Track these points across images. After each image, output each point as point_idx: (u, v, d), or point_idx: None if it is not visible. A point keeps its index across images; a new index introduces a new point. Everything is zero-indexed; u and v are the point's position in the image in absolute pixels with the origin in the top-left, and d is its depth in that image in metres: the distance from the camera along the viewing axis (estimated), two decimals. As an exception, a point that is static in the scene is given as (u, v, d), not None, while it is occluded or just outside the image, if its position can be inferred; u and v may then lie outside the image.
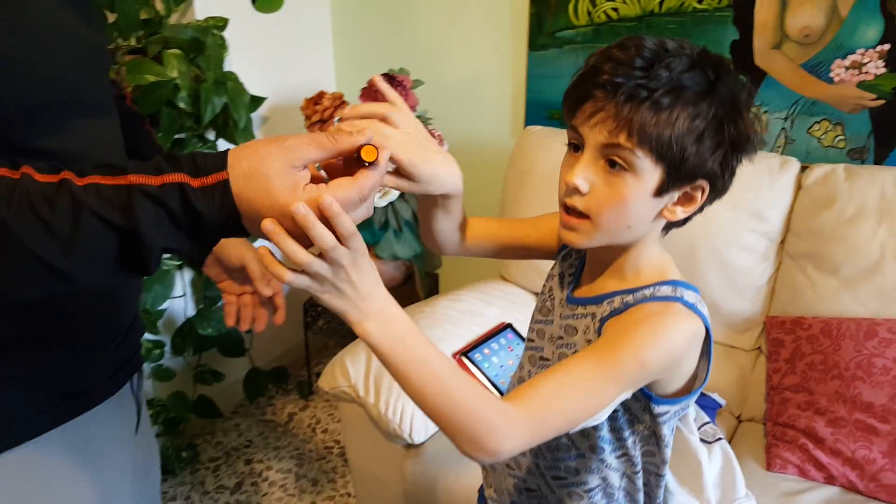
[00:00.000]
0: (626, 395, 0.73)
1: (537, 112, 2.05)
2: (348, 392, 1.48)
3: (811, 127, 1.65)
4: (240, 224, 0.61)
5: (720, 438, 1.37)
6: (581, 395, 0.70)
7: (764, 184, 1.57)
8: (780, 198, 1.57)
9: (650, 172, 0.70)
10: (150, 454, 1.04)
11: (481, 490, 1.09)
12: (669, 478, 0.98)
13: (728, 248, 1.59)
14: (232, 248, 1.01)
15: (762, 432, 1.53)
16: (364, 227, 2.05)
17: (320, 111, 1.94)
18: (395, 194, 1.94)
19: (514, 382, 0.98)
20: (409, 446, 1.48)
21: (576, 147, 0.74)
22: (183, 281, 2.05)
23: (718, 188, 0.74)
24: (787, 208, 1.58)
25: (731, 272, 1.60)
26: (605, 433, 0.82)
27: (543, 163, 1.82)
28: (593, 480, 0.86)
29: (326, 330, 2.31)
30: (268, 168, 0.59)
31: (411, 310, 1.74)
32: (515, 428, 0.67)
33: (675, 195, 0.73)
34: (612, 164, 0.71)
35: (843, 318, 1.44)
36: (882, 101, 1.55)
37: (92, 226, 0.57)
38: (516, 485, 0.95)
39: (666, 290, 0.76)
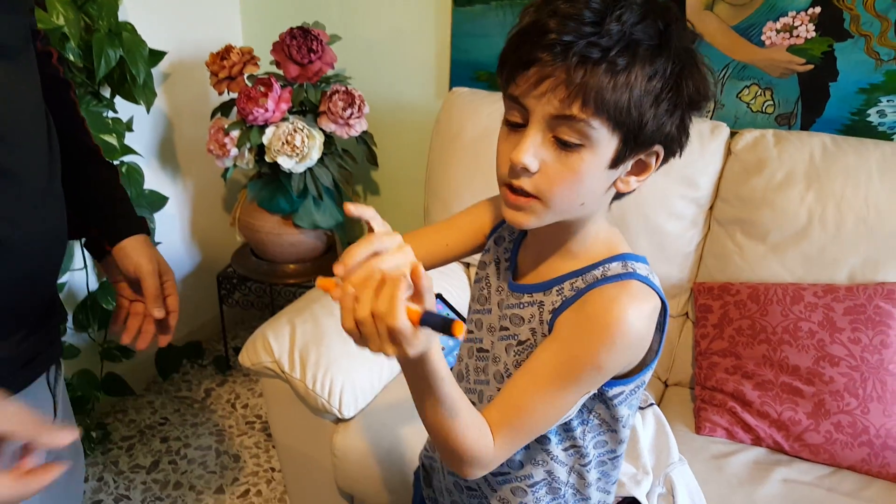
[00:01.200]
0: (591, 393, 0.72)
1: (463, 73, 1.96)
2: (272, 368, 1.39)
3: (741, 91, 1.65)
4: None
5: (652, 404, 1.37)
6: (549, 412, 0.70)
7: (695, 149, 1.56)
8: (710, 164, 1.57)
9: (606, 143, 0.64)
10: (74, 455, 0.92)
11: (417, 474, 1.04)
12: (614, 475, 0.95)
13: (657, 215, 1.58)
14: (132, 256, 0.92)
15: (689, 396, 1.54)
16: (282, 194, 1.93)
17: (228, 67, 1.80)
18: (313, 159, 1.83)
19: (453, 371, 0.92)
20: (339, 421, 1.41)
21: (517, 124, 0.66)
22: (83, 253, 1.89)
23: (673, 152, 0.69)
24: (716, 174, 1.57)
25: (660, 238, 1.59)
26: None
27: (472, 128, 1.75)
28: (538, 474, 0.82)
29: (243, 303, 2.19)
30: None
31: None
32: (493, 460, 0.71)
33: (629, 164, 0.67)
34: (563, 142, 0.63)
35: (770, 284, 1.46)
36: (811, 66, 1.56)
37: None
38: (456, 483, 0.90)
39: (616, 268, 0.71)
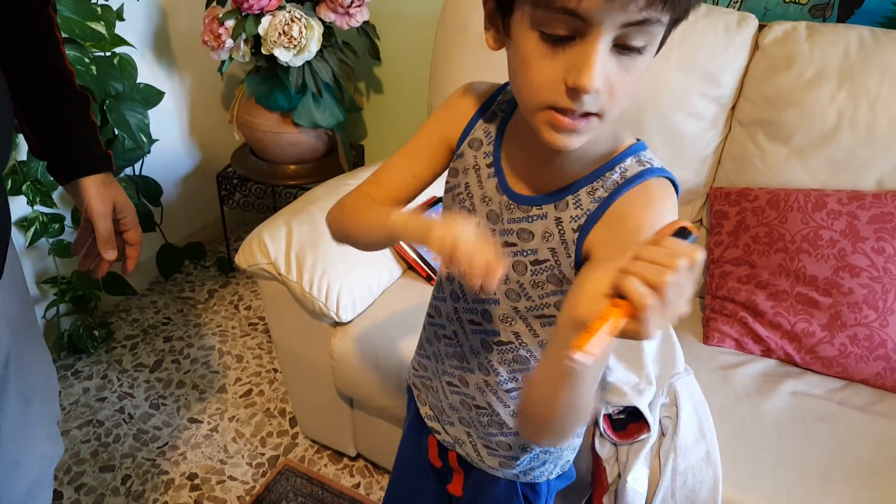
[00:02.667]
0: None
1: (475, -41, 1.82)
2: (268, 270, 1.35)
3: (773, -20, 1.51)
4: None
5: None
6: None
7: (719, 43, 1.44)
8: (735, 59, 1.45)
9: (660, 34, 0.57)
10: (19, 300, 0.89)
11: (409, 392, 1.00)
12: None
13: (676, 115, 1.48)
14: (84, 196, 0.89)
15: (699, 305, 1.50)
16: (280, 90, 1.83)
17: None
18: (311, 52, 1.73)
19: (437, 284, 0.86)
20: (337, 324, 1.38)
21: (558, 38, 0.55)
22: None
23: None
24: (741, 70, 1.46)
25: (678, 140, 1.50)
26: None
27: (479, 19, 1.60)
28: None
29: (244, 204, 2.14)
30: None
31: (334, 182, 1.59)
32: None
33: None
34: (628, 47, 0.55)
35: (792, 190, 1.38)
36: (852, -49, 1.42)
37: None
38: (463, 401, 0.86)
39: (633, 166, 0.64)
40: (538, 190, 0.69)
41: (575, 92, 0.55)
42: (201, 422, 1.78)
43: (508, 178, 0.72)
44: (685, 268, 0.45)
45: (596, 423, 1.13)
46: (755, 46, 1.46)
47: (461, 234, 0.59)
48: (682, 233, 0.49)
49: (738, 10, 1.55)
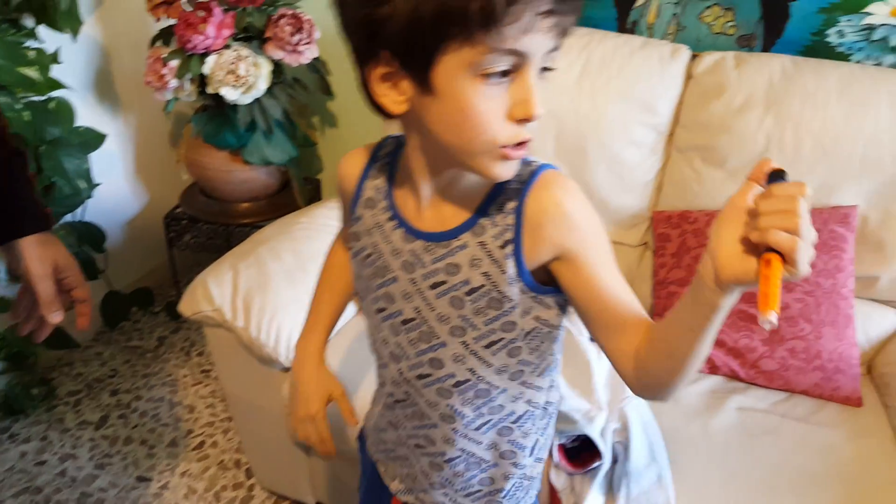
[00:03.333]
0: None
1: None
2: (213, 317, 1.33)
3: (702, 13, 1.58)
4: None
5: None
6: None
7: (654, 73, 1.50)
8: (670, 88, 1.51)
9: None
10: None
11: (361, 438, 1.00)
12: (559, 380, 0.93)
13: (617, 143, 1.52)
14: (20, 259, 0.86)
15: (648, 327, 1.53)
16: (228, 128, 1.83)
17: (165, -9, 1.67)
18: (260, 90, 1.73)
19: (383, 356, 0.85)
20: (287, 370, 1.36)
21: (498, 75, 0.57)
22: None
23: None
24: (676, 99, 1.52)
25: (620, 168, 1.55)
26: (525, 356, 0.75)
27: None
28: (519, 408, 0.80)
29: (193, 245, 2.10)
30: None
31: (284, 221, 1.59)
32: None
33: None
34: (545, 69, 0.60)
35: (728, 211, 1.43)
36: (771, -16, 1.49)
37: None
38: (432, 462, 0.85)
39: (522, 168, 0.67)
40: (450, 223, 0.70)
41: (523, 123, 0.59)
42: (150, 479, 1.71)
43: (415, 223, 0.72)
44: (803, 204, 0.49)
45: (550, 455, 1.14)
46: (688, 76, 1.52)
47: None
48: (777, 175, 0.52)
49: (673, 41, 1.62)
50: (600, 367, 1.27)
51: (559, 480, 1.13)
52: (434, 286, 0.72)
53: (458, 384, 0.77)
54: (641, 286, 1.58)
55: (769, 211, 0.49)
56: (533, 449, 0.85)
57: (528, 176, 0.67)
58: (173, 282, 2.27)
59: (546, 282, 0.69)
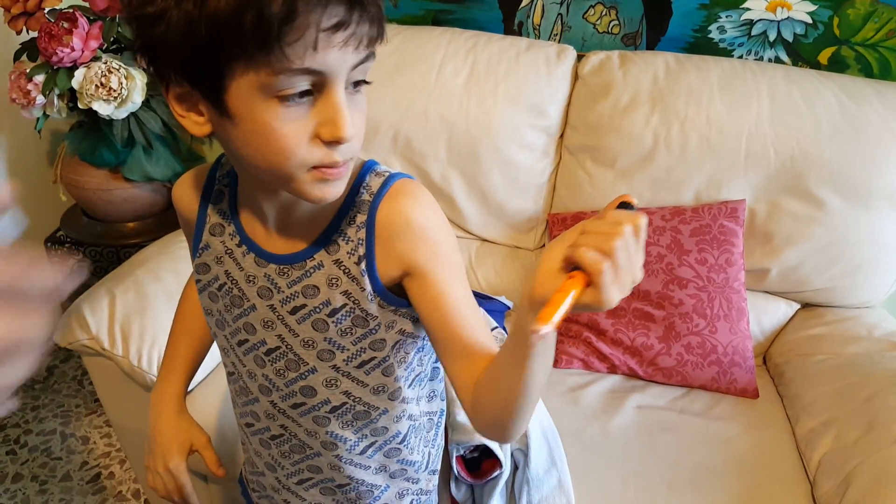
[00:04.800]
0: None
1: None
2: (90, 346, 1.24)
3: (586, 12, 1.58)
4: None
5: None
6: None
7: (542, 76, 1.49)
8: (558, 90, 1.51)
9: (373, 63, 0.57)
10: None
11: (241, 482, 0.95)
12: (445, 389, 0.91)
13: (508, 147, 1.51)
14: None
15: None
16: (105, 145, 1.72)
17: (23, 1, 1.55)
18: (136, 103, 1.63)
19: (239, 391, 0.80)
20: (177, 395, 1.29)
21: (301, 94, 0.53)
22: None
23: None
24: (565, 101, 1.52)
25: (513, 171, 1.53)
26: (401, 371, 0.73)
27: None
28: (402, 427, 0.78)
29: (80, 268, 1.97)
30: None
31: (165, 241, 1.50)
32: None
33: None
34: (357, 83, 0.56)
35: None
36: (650, -17, 1.51)
37: None
38: (325, 489, 0.82)
39: (374, 180, 0.65)
40: (301, 244, 0.66)
41: (334, 144, 0.54)
42: (42, 516, 1.61)
43: (265, 246, 0.68)
44: (630, 232, 0.47)
45: (450, 466, 1.11)
46: (575, 76, 1.52)
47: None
48: (624, 206, 0.53)
49: (558, 42, 1.62)
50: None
51: (459, 493, 1.10)
52: (294, 311, 0.68)
53: (333, 409, 0.73)
54: (542, 288, 1.57)
55: (591, 231, 0.48)
56: (426, 463, 0.83)
57: (379, 186, 0.64)
58: (60, 309, 2.13)
59: (403, 294, 0.67)
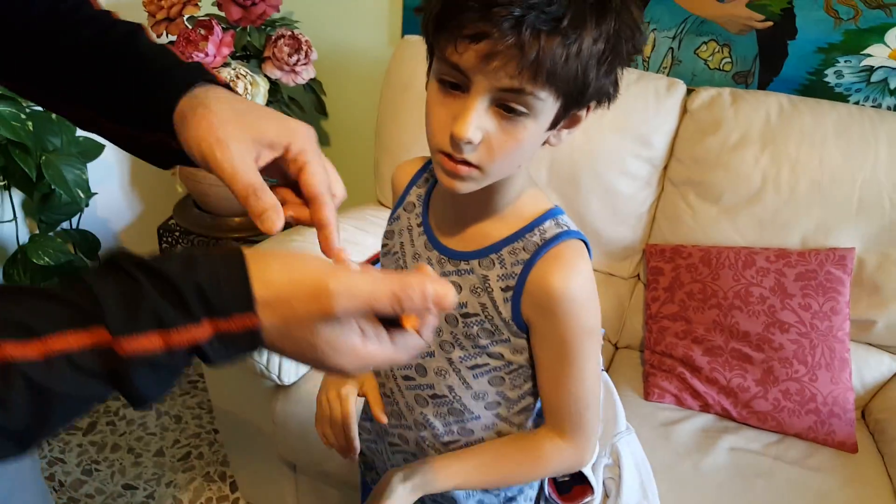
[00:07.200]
0: None
1: (417, 20, 1.85)
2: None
3: (698, 48, 1.59)
4: None
5: (602, 370, 1.35)
6: (589, 385, 0.74)
7: (650, 107, 1.51)
8: (665, 122, 1.52)
9: (550, 109, 0.61)
10: None
11: (362, 476, 1.00)
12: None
13: (611, 174, 1.53)
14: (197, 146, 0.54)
15: (639, 359, 1.53)
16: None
17: (166, 7, 1.67)
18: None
19: None
20: (279, 387, 1.35)
21: (454, 85, 0.61)
22: (12, 203, 1.77)
23: (604, 103, 0.67)
24: (671, 133, 1.53)
25: (613, 199, 1.55)
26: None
27: (423, 78, 1.65)
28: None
29: (186, 258, 2.09)
30: (313, 338, 0.44)
31: (279, 238, 1.58)
32: (578, 449, 0.79)
33: (564, 121, 0.65)
34: (509, 109, 0.60)
35: (723, 247, 1.43)
36: (770, 23, 1.51)
37: (64, 407, 0.39)
38: (406, 460, 0.87)
39: (551, 227, 0.70)
40: (466, 247, 0.73)
41: (454, 141, 0.60)
42: (137, 488, 1.71)
43: (438, 235, 0.76)
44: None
45: (542, 487, 1.13)
46: (684, 110, 1.53)
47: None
48: None
49: (668, 75, 1.62)
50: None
51: (548, 515, 1.12)
52: None
53: (434, 396, 0.79)
54: (633, 319, 1.58)
55: None
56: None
57: (550, 238, 0.69)
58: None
59: None
